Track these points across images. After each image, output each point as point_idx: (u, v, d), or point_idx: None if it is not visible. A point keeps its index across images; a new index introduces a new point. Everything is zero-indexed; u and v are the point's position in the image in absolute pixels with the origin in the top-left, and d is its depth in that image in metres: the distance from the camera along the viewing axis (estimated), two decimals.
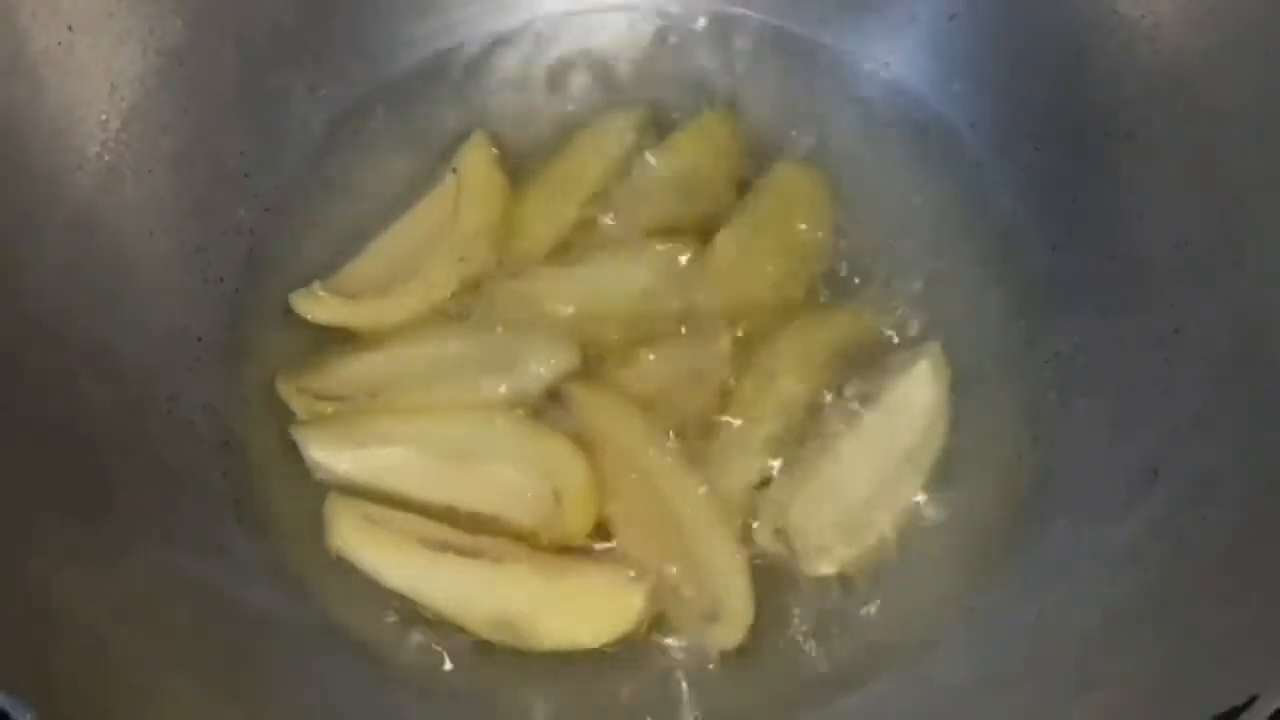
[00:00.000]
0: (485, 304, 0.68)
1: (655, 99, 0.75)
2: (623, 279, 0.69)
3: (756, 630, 0.61)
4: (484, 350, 0.66)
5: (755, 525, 0.63)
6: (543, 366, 0.65)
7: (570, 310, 0.68)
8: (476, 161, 0.72)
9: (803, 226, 0.71)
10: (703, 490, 0.62)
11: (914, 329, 0.68)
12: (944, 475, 0.65)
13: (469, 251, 0.69)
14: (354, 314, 0.68)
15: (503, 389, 0.65)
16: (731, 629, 0.60)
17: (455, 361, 0.66)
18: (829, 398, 0.65)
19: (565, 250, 0.70)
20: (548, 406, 0.65)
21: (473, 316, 0.68)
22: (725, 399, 0.65)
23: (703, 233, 0.70)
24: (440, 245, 0.69)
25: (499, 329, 0.67)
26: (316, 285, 0.68)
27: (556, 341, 0.66)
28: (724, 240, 0.69)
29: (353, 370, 0.67)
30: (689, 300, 0.68)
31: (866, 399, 0.65)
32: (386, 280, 0.69)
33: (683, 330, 0.68)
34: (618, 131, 0.73)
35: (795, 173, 0.72)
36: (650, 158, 0.72)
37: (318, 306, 0.68)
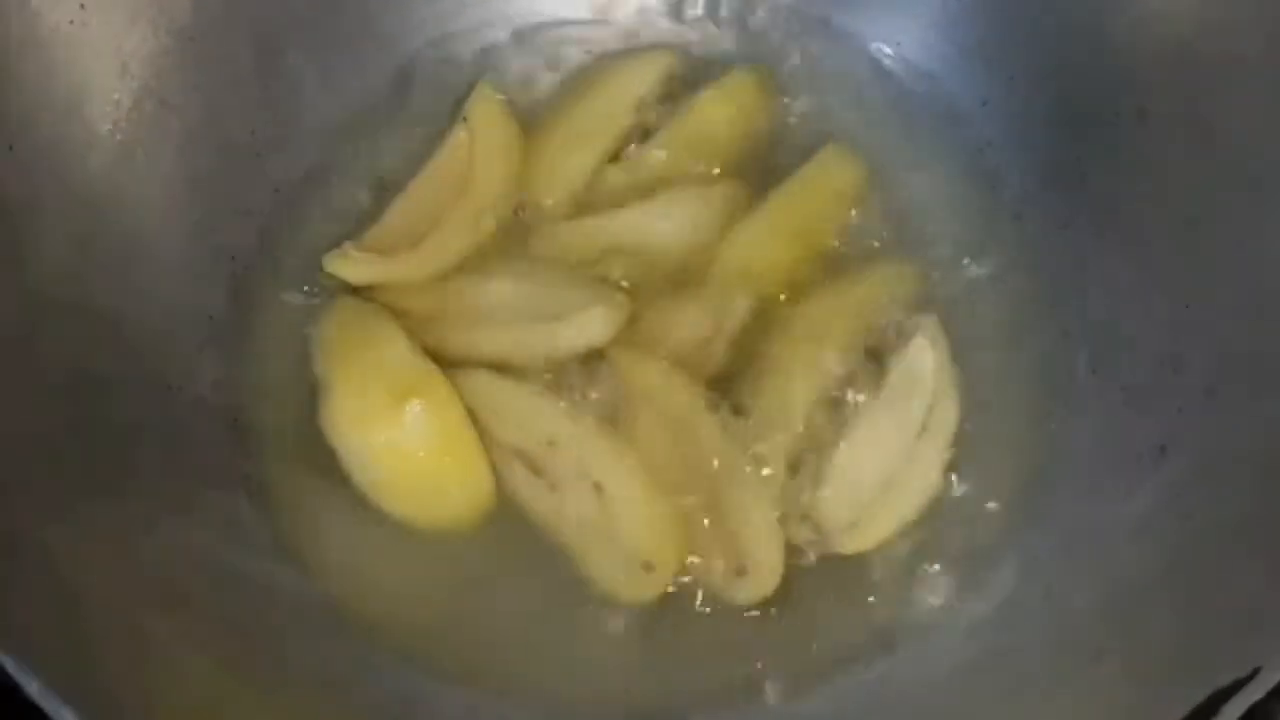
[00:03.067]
0: (529, 249, 0.69)
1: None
2: (671, 221, 0.69)
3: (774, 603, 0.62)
4: (535, 297, 0.67)
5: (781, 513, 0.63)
6: (596, 321, 0.65)
7: (619, 255, 0.68)
8: (486, 110, 0.72)
9: (836, 214, 0.71)
10: (739, 449, 0.63)
11: (924, 306, 0.68)
12: (953, 453, 0.65)
13: (490, 200, 0.70)
14: (387, 271, 0.68)
15: (554, 339, 0.65)
16: (759, 583, 0.61)
17: (506, 303, 0.67)
18: (843, 379, 0.66)
19: (594, 194, 0.71)
20: (579, 365, 0.66)
21: (516, 264, 0.69)
22: (759, 369, 0.66)
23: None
24: (461, 197, 0.70)
25: (550, 276, 0.67)
26: (348, 245, 0.68)
27: (608, 295, 0.66)
28: (754, 221, 0.69)
29: (410, 299, 0.68)
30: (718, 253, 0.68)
31: (873, 378, 0.65)
32: (412, 237, 0.69)
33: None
34: (644, 71, 0.74)
35: (839, 160, 0.72)
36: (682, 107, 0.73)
37: (351, 266, 0.68)
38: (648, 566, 0.61)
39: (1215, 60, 0.63)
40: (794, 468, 0.64)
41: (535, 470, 0.63)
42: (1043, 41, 0.71)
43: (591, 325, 0.65)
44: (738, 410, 0.65)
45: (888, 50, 0.76)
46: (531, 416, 0.64)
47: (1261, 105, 0.61)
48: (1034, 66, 0.71)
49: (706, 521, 0.62)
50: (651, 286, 0.68)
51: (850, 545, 0.63)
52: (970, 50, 0.74)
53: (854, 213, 0.71)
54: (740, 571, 0.61)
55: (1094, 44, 0.68)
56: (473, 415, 0.64)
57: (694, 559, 0.63)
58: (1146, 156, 0.66)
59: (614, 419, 0.64)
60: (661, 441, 0.63)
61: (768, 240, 0.69)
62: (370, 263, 0.68)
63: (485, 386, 0.64)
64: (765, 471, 0.63)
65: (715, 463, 0.62)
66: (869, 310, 0.67)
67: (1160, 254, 0.65)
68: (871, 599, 0.62)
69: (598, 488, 0.62)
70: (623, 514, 0.62)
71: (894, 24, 0.76)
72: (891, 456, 0.63)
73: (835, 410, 0.65)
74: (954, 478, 0.64)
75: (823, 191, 0.71)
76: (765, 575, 0.61)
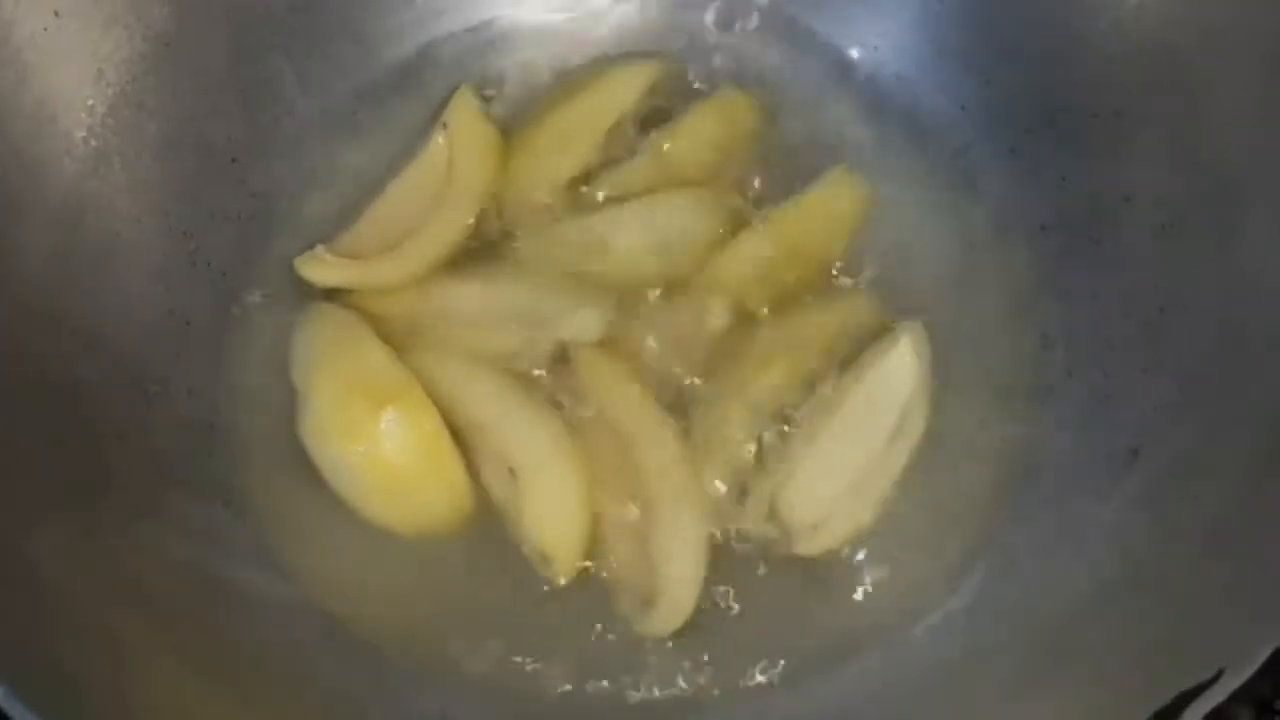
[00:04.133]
0: (513, 252, 0.69)
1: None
2: (660, 223, 0.69)
3: (743, 604, 0.62)
4: (519, 299, 0.67)
5: (747, 510, 0.63)
6: (582, 323, 0.66)
7: (604, 258, 0.68)
8: (465, 115, 0.72)
9: (835, 237, 0.70)
10: (681, 473, 0.62)
11: (902, 310, 0.68)
12: (930, 455, 0.65)
13: (468, 205, 0.70)
14: (359, 275, 0.68)
15: (540, 341, 0.66)
16: (662, 619, 0.61)
17: (490, 306, 0.67)
18: (819, 380, 0.66)
19: (578, 203, 0.71)
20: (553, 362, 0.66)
21: (498, 267, 0.69)
22: (720, 380, 0.66)
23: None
24: (438, 202, 0.70)
25: (534, 278, 0.68)
26: (320, 248, 0.68)
27: (594, 296, 0.66)
28: (749, 236, 0.69)
29: (388, 303, 0.68)
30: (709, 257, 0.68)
31: (851, 379, 0.65)
32: (387, 241, 0.69)
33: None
34: (628, 81, 0.73)
35: (844, 185, 0.71)
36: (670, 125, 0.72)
37: (323, 269, 0.68)
38: (545, 557, 0.62)
39: (1192, 63, 0.64)
40: (743, 490, 0.64)
41: (471, 450, 0.64)
42: (1020, 45, 0.71)
43: (578, 327, 0.66)
44: (689, 429, 0.65)
45: (866, 54, 0.76)
46: (464, 396, 0.64)
47: (1237, 109, 0.62)
48: (1012, 70, 0.71)
49: (634, 541, 0.62)
50: (633, 292, 0.68)
51: (810, 548, 0.63)
52: (948, 53, 0.74)
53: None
54: (648, 602, 0.61)
55: (1071, 47, 0.69)
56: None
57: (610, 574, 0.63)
58: (1123, 159, 0.67)
59: (572, 420, 0.64)
60: (609, 449, 0.63)
61: (760, 256, 0.68)
62: (343, 266, 0.68)
63: (431, 367, 0.65)
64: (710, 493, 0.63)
65: (653, 485, 0.62)
66: (828, 338, 0.67)
67: (1136, 257, 0.65)
68: (841, 601, 0.62)
69: (512, 473, 0.63)
70: (525, 501, 0.62)
71: (872, 28, 0.75)
72: (860, 462, 0.63)
73: (807, 412, 0.65)
74: (926, 481, 0.64)
75: (823, 215, 0.70)
76: (669, 613, 0.60)
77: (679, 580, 0.60)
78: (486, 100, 0.74)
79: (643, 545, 0.61)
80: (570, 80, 0.75)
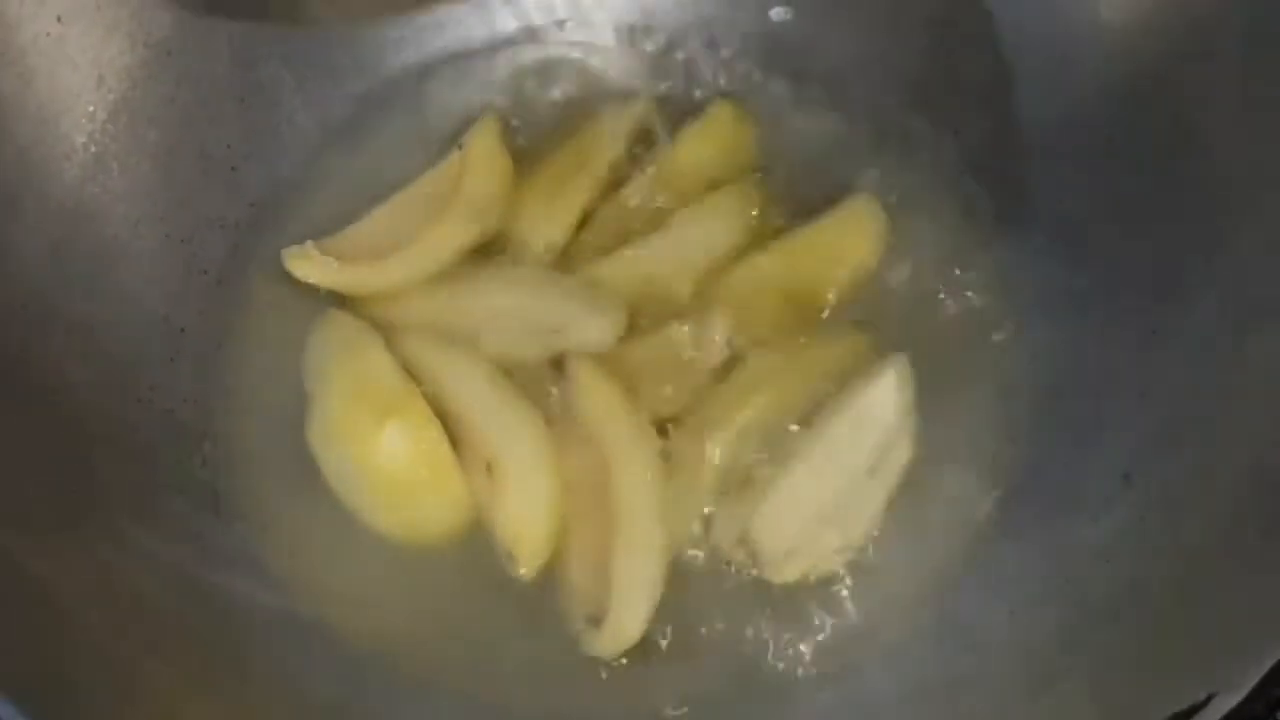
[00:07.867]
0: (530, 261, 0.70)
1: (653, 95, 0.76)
2: (687, 237, 0.69)
3: (723, 630, 0.62)
4: (532, 307, 0.67)
5: (717, 532, 0.63)
6: (594, 331, 0.66)
7: (631, 279, 0.68)
8: (484, 139, 0.72)
9: (851, 264, 0.70)
10: (652, 500, 0.62)
11: (889, 336, 0.68)
12: (919, 477, 0.65)
13: (467, 227, 0.70)
14: (347, 277, 0.68)
15: (552, 349, 0.66)
16: (610, 640, 0.60)
17: (505, 313, 0.67)
18: (801, 411, 0.65)
19: (587, 234, 0.71)
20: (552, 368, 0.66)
21: (512, 273, 0.69)
22: (705, 407, 0.66)
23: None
24: (437, 219, 0.70)
25: (547, 285, 0.68)
26: (310, 244, 0.68)
27: (606, 304, 0.66)
28: (761, 261, 0.69)
29: (400, 309, 0.68)
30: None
31: (833, 411, 0.64)
32: (382, 248, 0.69)
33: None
34: (630, 115, 0.74)
35: (866, 213, 0.71)
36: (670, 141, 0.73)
37: (310, 266, 0.68)
38: (509, 555, 0.62)
39: (1181, 91, 0.64)
40: (716, 514, 0.64)
41: (455, 441, 0.64)
42: (1013, 74, 0.71)
43: (589, 335, 0.66)
44: (669, 454, 0.64)
45: (857, 78, 0.76)
46: (451, 387, 0.64)
47: (1226, 135, 0.62)
48: (1005, 98, 0.72)
49: (594, 558, 0.62)
50: (645, 304, 0.68)
51: (780, 575, 0.62)
52: (940, 79, 0.74)
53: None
54: (595, 621, 0.60)
55: (1064, 74, 0.69)
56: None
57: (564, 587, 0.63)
58: (1116, 186, 0.67)
59: (557, 427, 0.64)
60: (588, 462, 0.63)
61: (766, 282, 0.68)
62: (327, 266, 0.68)
63: (419, 355, 0.65)
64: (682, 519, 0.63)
65: (623, 506, 0.61)
66: (816, 374, 0.66)
67: (1128, 283, 0.66)
68: (831, 621, 0.62)
69: (489, 467, 0.63)
70: (497, 497, 0.62)
71: (865, 51, 0.76)
72: (835, 492, 0.63)
73: (785, 440, 0.64)
74: (914, 503, 0.64)
75: (834, 245, 0.70)
76: (615, 637, 0.60)
77: (629, 606, 0.60)
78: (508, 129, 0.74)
79: (601, 564, 0.61)
80: (563, 127, 0.75)
